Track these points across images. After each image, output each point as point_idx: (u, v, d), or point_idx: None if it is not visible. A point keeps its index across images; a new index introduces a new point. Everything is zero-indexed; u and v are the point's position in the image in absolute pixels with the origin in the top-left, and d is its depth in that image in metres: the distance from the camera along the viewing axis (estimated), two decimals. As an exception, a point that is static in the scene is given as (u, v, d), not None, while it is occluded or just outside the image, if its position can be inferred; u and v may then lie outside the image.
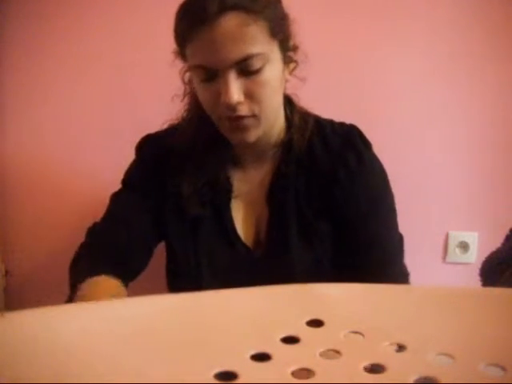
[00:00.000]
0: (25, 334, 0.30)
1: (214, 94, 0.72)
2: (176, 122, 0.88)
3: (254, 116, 0.73)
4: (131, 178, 0.89)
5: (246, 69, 0.69)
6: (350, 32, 1.21)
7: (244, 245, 0.83)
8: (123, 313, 0.34)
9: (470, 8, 1.19)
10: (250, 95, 0.71)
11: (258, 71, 0.70)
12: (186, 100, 0.87)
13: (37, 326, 0.31)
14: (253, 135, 0.75)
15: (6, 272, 1.29)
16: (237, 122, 0.73)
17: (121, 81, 1.24)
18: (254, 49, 0.69)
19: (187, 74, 0.82)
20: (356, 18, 1.20)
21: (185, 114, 0.87)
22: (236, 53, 0.68)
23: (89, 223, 1.27)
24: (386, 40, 1.21)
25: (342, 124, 0.88)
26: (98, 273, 0.71)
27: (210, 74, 0.71)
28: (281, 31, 0.73)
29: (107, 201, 1.30)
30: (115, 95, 1.24)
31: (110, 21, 1.22)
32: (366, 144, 0.85)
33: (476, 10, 1.19)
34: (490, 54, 1.20)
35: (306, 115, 0.86)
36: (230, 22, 0.67)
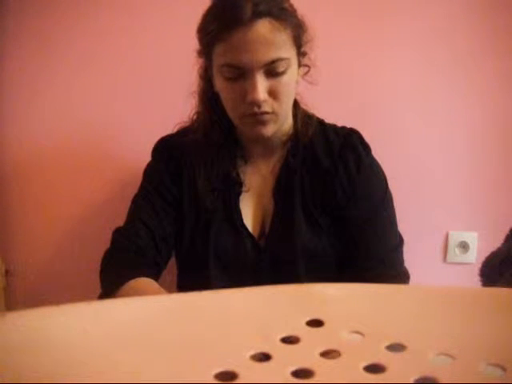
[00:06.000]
0: (25, 334, 0.30)
1: (240, 92, 0.78)
2: (186, 124, 0.93)
3: (272, 113, 0.80)
4: (149, 179, 0.93)
5: (272, 70, 0.77)
6: (349, 33, 1.21)
7: (250, 235, 0.88)
8: (123, 313, 0.34)
9: (470, 8, 1.19)
10: (272, 94, 0.78)
11: (281, 73, 0.77)
12: (197, 101, 0.91)
13: (37, 326, 0.31)
14: (270, 130, 0.82)
15: (6, 272, 1.29)
16: (259, 117, 0.79)
17: (123, 78, 1.24)
18: (283, 53, 0.76)
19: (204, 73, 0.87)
20: (356, 19, 1.20)
21: (195, 116, 0.92)
22: (268, 55, 0.75)
23: (89, 224, 1.27)
24: (386, 39, 1.21)
25: (343, 127, 0.93)
26: (133, 276, 0.76)
27: (237, 74, 0.77)
28: (300, 39, 0.81)
29: (109, 201, 1.30)
30: (116, 96, 1.24)
31: (111, 18, 1.22)
32: (366, 148, 0.89)
33: (476, 9, 1.19)
34: (491, 53, 1.20)
35: (308, 114, 0.92)
36: (263, 27, 0.74)
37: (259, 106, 0.78)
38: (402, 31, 1.21)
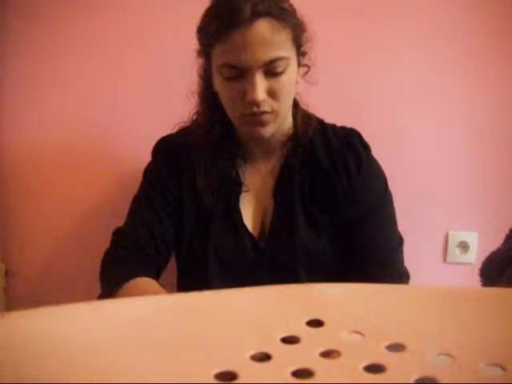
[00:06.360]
0: (25, 334, 0.30)
1: (239, 92, 0.78)
2: (186, 124, 0.94)
3: (272, 112, 0.80)
4: (149, 179, 0.93)
5: (271, 70, 0.77)
6: (349, 33, 1.21)
7: (250, 235, 0.87)
8: (123, 313, 0.34)
9: (470, 7, 1.19)
10: (271, 94, 0.78)
11: (280, 73, 0.77)
12: (196, 101, 0.91)
13: (37, 326, 0.31)
14: (270, 130, 0.82)
15: (6, 272, 1.29)
16: (258, 117, 0.79)
17: (123, 78, 1.24)
18: (282, 53, 0.76)
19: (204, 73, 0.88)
20: (355, 19, 1.20)
21: (195, 116, 0.92)
22: (267, 55, 0.75)
23: (89, 224, 1.27)
24: (386, 41, 1.21)
25: (343, 127, 0.93)
26: (133, 275, 0.76)
27: (237, 73, 0.77)
28: (299, 38, 0.80)
29: (108, 201, 1.30)
30: (116, 96, 1.24)
31: (112, 18, 1.22)
32: (366, 148, 0.89)
33: (476, 9, 1.19)
34: (491, 52, 1.20)
35: (308, 114, 0.92)
36: (262, 26, 0.74)
37: (258, 106, 0.78)
38: (402, 31, 1.21)
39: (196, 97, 0.91)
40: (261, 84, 0.76)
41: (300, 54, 0.83)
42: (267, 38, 0.74)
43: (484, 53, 1.20)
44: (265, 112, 0.79)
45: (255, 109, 0.78)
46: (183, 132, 0.93)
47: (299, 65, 0.83)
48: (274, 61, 0.76)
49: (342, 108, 1.19)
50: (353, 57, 1.21)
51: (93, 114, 1.25)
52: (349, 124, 0.94)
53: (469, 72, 1.21)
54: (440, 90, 1.22)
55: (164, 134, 0.96)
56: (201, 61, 0.86)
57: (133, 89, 1.23)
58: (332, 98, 1.19)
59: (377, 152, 0.92)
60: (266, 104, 0.78)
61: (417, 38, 1.20)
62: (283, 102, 0.80)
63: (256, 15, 0.74)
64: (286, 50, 0.77)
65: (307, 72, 0.87)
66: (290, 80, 0.80)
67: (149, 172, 0.94)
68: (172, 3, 1.19)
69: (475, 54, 1.20)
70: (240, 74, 0.77)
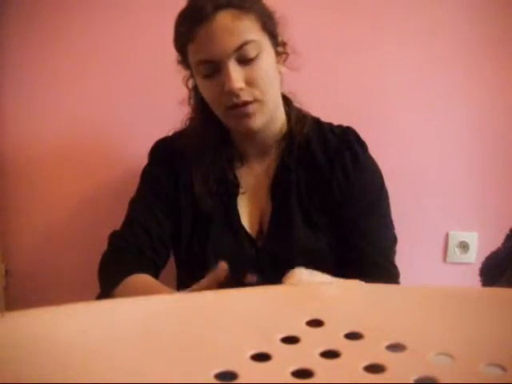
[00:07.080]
0: (25, 333, 0.30)
1: (218, 86, 0.78)
2: (181, 128, 0.94)
3: (256, 101, 0.79)
4: (146, 180, 0.93)
5: (243, 57, 0.77)
6: (348, 30, 1.21)
7: (248, 235, 0.87)
8: (123, 313, 0.34)
9: (468, 6, 1.19)
10: (250, 82, 0.78)
11: (254, 59, 0.77)
12: (190, 107, 0.91)
13: (37, 326, 0.31)
14: (258, 121, 0.81)
15: (6, 272, 1.29)
16: (242, 108, 0.79)
17: (124, 78, 1.24)
18: (248, 36, 0.77)
19: (190, 82, 0.89)
20: (354, 15, 1.20)
21: (189, 121, 0.92)
22: (232, 42, 0.76)
23: (89, 223, 1.27)
24: (384, 38, 1.21)
25: (339, 126, 0.93)
26: (130, 273, 0.76)
27: (212, 69, 0.78)
28: (270, 25, 0.81)
29: (108, 201, 1.30)
30: (116, 97, 1.24)
31: (113, 18, 1.22)
32: (362, 145, 0.89)
33: (474, 7, 1.19)
34: (489, 51, 1.20)
35: (303, 112, 0.92)
36: (224, 17, 0.76)
37: (237, 96, 0.77)
38: (400, 28, 1.20)
39: (187, 105, 0.91)
40: (235, 72, 0.76)
41: (276, 42, 0.83)
42: (230, 26, 0.76)
43: (483, 50, 1.20)
44: (247, 102, 0.78)
45: (235, 99, 0.77)
46: (178, 135, 0.93)
47: (277, 53, 0.83)
48: (241, 46, 0.76)
49: (339, 107, 1.19)
50: (351, 55, 1.21)
51: (92, 113, 1.25)
52: (346, 123, 0.94)
53: (468, 69, 1.21)
54: (439, 88, 1.22)
55: (162, 136, 0.96)
56: (185, 71, 0.87)
57: (133, 89, 1.23)
58: (329, 96, 1.19)
59: (376, 152, 0.92)
60: (246, 93, 0.78)
61: (416, 35, 1.20)
62: (264, 90, 0.79)
63: (217, 8, 0.76)
64: (253, 34, 0.77)
65: (286, 59, 0.86)
66: (267, 66, 0.79)
67: (146, 174, 0.94)
68: (172, 4, 1.19)
69: (475, 51, 1.20)
70: (215, 69, 0.78)
